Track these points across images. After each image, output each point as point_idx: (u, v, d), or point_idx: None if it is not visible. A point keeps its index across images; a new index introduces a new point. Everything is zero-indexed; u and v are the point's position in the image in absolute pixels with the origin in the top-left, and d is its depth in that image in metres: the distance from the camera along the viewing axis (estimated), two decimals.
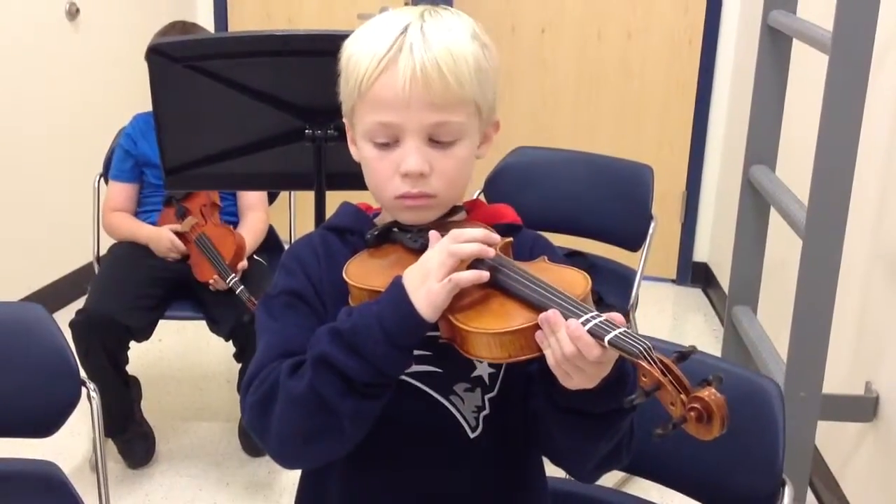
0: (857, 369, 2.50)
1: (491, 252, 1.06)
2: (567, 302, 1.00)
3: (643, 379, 0.93)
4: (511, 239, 1.16)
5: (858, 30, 1.78)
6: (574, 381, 1.00)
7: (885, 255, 2.39)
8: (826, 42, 1.84)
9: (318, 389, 1.05)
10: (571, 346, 0.97)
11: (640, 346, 0.93)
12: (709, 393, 0.90)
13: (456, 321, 1.04)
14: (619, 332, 0.94)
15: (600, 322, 0.96)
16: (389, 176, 1.13)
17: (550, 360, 1.00)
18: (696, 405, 0.90)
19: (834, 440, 2.58)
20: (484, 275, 1.04)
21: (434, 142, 1.12)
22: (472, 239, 1.05)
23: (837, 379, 2.50)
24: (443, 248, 1.05)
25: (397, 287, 1.05)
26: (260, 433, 1.13)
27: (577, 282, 1.06)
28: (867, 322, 2.48)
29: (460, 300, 1.05)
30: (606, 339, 0.95)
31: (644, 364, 0.92)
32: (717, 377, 0.92)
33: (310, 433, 1.08)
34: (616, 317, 0.97)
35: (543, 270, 1.08)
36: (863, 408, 2.36)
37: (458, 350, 1.05)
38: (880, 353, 2.38)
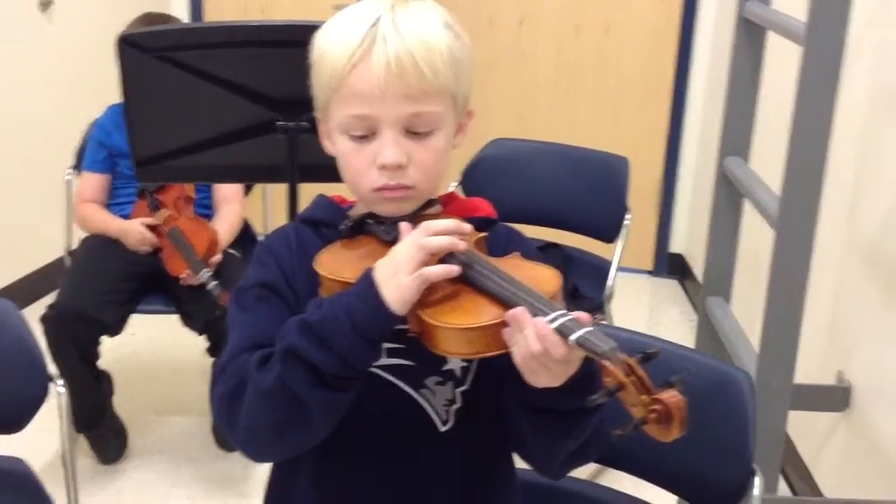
0: (829, 359, 2.51)
1: (462, 245, 1.05)
2: (535, 300, 1.00)
3: (606, 379, 0.93)
4: (485, 234, 1.16)
5: (832, 21, 1.79)
6: (540, 378, 1.00)
7: (857, 246, 2.40)
8: (800, 33, 1.84)
9: (287, 381, 1.04)
10: (538, 343, 0.97)
11: (606, 345, 0.93)
12: (669, 395, 0.90)
13: (424, 316, 1.03)
14: (586, 331, 0.94)
15: (567, 321, 0.96)
16: (367, 168, 1.12)
17: (517, 358, 0.99)
18: (656, 407, 0.90)
19: (807, 430, 2.60)
20: (454, 269, 1.04)
21: (411, 133, 1.12)
22: (442, 231, 1.04)
23: (810, 369, 2.51)
24: (413, 242, 1.04)
25: (367, 280, 1.04)
26: (228, 425, 1.12)
27: (547, 279, 1.06)
28: (839, 312, 2.50)
29: (430, 295, 1.04)
30: (572, 337, 0.94)
31: (608, 364, 0.92)
32: (679, 379, 0.92)
33: (278, 425, 1.08)
34: (583, 316, 0.97)
35: (515, 267, 1.08)
36: (835, 398, 2.37)
37: (425, 345, 1.05)
38: (852, 343, 2.39)
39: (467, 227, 1.08)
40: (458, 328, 1.01)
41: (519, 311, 0.99)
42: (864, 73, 2.37)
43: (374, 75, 1.08)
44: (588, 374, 1.02)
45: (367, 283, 1.04)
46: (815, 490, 2.53)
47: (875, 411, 2.24)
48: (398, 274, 1.02)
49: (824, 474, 2.53)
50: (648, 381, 0.92)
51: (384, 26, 1.09)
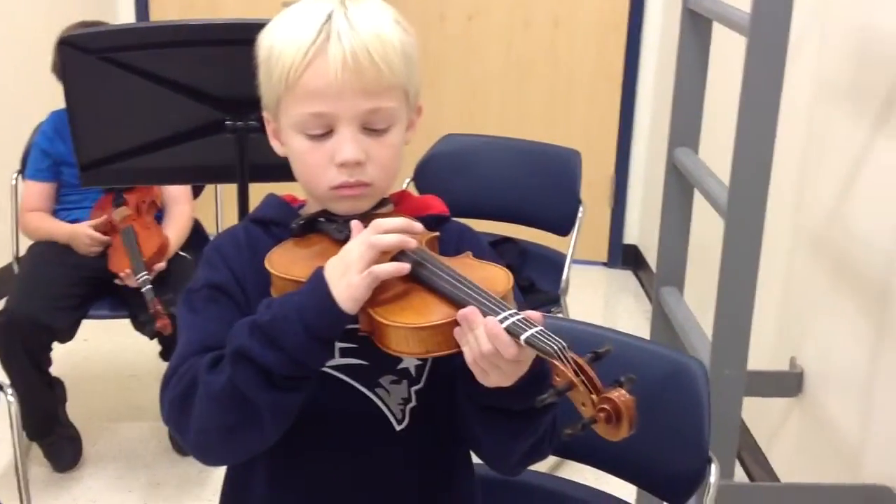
0: (781, 345, 2.55)
1: (412, 243, 1.04)
2: (486, 299, 1.00)
3: (556, 378, 0.93)
4: (437, 234, 1.16)
5: (776, 11, 1.80)
6: (491, 378, 1.00)
7: (804, 234, 2.44)
8: (744, 24, 1.86)
9: (238, 383, 1.03)
10: (489, 343, 0.96)
11: (555, 345, 0.93)
12: (619, 394, 0.90)
13: (375, 314, 1.03)
14: (536, 331, 0.94)
15: (517, 320, 0.96)
16: (324, 167, 1.11)
17: (468, 357, 0.99)
18: (605, 406, 0.90)
19: (761, 416, 2.63)
20: (404, 267, 1.03)
21: (368, 130, 1.11)
22: (392, 229, 1.04)
23: (762, 356, 2.54)
24: (363, 240, 1.03)
25: (318, 279, 1.03)
26: (179, 429, 1.11)
27: (498, 279, 1.07)
28: (790, 299, 2.53)
29: (381, 294, 1.04)
30: (522, 337, 0.94)
31: (558, 363, 0.92)
32: (629, 378, 0.92)
33: (230, 428, 1.07)
34: (534, 315, 0.97)
35: (466, 267, 1.08)
36: (788, 383, 2.40)
37: (376, 344, 1.04)
38: (803, 329, 2.43)
39: (418, 225, 1.08)
40: (409, 327, 1.01)
41: (469, 311, 0.98)
42: (808, 64, 2.40)
43: (330, 72, 1.07)
44: (539, 373, 1.02)
45: (317, 282, 1.03)
46: (770, 475, 2.56)
47: (826, 395, 2.28)
48: (348, 272, 1.02)
49: (779, 459, 2.56)
50: (597, 380, 0.92)
51: (337, 22, 1.08)
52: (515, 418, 1.07)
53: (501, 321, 0.96)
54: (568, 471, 2.11)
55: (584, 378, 0.92)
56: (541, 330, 0.95)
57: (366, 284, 1.01)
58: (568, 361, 0.92)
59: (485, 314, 0.98)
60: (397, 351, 1.03)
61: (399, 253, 1.05)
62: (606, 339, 1.60)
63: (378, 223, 1.04)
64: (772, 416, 2.58)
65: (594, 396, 0.91)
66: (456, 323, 1.00)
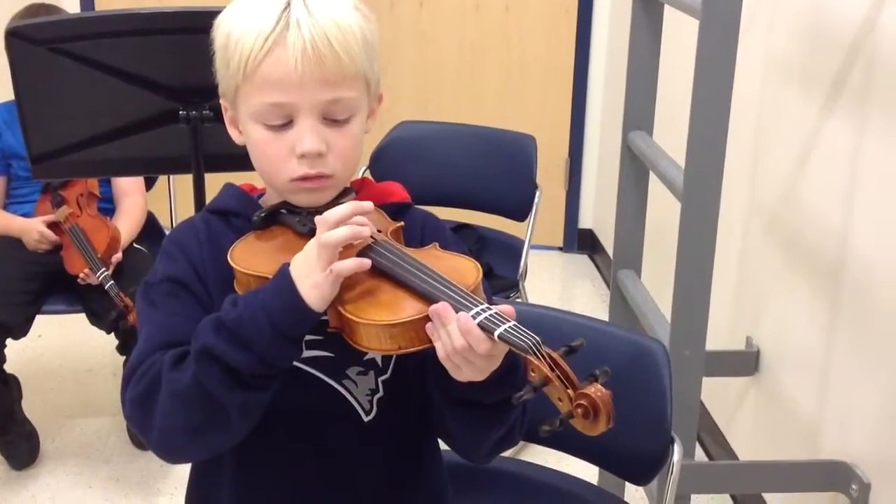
0: (737, 325, 2.58)
1: (366, 231, 1.02)
2: (458, 293, 0.99)
3: (532, 374, 0.92)
4: (402, 224, 1.14)
5: None
6: (464, 373, 0.99)
7: (758, 214, 2.47)
8: (696, 7, 1.87)
9: (203, 382, 1.02)
10: (462, 339, 0.95)
11: (529, 340, 0.92)
12: (595, 389, 0.90)
13: (345, 312, 1.01)
14: (509, 326, 0.94)
15: (490, 315, 0.95)
16: (284, 158, 1.09)
17: (440, 353, 0.98)
18: (582, 402, 0.89)
19: (719, 395, 2.67)
20: (364, 263, 1.01)
21: (328, 120, 1.09)
22: (340, 219, 1.01)
23: (720, 336, 2.57)
24: (316, 239, 1.01)
25: (284, 277, 1.02)
26: (141, 428, 1.09)
27: (468, 271, 1.05)
28: (746, 279, 2.57)
29: (350, 290, 1.03)
30: (496, 333, 0.94)
31: (532, 359, 0.92)
32: (603, 371, 0.91)
33: (195, 427, 1.05)
34: (507, 309, 0.96)
35: (435, 258, 1.07)
36: (745, 362, 2.44)
37: (346, 340, 1.03)
38: (759, 308, 2.46)
39: (368, 205, 1.05)
40: (380, 324, 1.00)
41: (441, 307, 0.97)
42: (759, 45, 2.43)
43: (290, 61, 1.05)
44: (511, 366, 1.01)
45: (284, 281, 1.02)
46: (730, 454, 2.60)
47: (782, 374, 2.31)
48: (312, 272, 1.00)
49: (738, 438, 2.60)
50: (573, 375, 0.92)
51: (296, 10, 1.06)
52: (487, 410, 1.07)
53: (474, 316, 0.95)
54: (531, 453, 2.13)
55: (559, 373, 0.91)
56: (514, 325, 0.94)
57: (329, 283, 1.00)
58: (543, 357, 0.91)
59: (457, 309, 0.97)
60: (368, 348, 1.02)
61: (366, 247, 1.04)
62: (569, 323, 1.62)
63: (325, 218, 1.02)
64: (729, 396, 2.62)
65: (570, 392, 0.90)
66: (428, 318, 0.98)
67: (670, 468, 1.49)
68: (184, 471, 1.28)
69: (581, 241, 4.33)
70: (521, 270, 2.73)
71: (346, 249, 1.02)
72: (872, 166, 1.90)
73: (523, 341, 0.92)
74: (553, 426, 0.90)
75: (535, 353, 0.92)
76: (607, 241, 3.91)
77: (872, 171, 1.90)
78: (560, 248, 4.35)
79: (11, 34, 1.93)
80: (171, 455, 1.13)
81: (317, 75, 1.06)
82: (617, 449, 1.53)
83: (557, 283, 4.09)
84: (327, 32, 1.06)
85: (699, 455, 2.66)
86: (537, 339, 0.92)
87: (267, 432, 1.11)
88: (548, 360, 0.91)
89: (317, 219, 1.03)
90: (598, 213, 4.25)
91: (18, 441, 2.65)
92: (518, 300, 2.67)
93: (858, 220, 1.95)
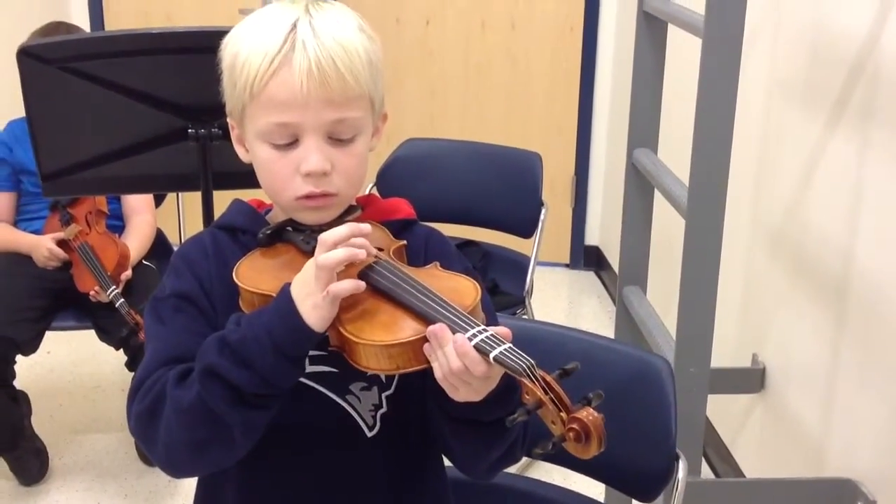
0: (743, 343, 2.58)
1: (362, 254, 1.03)
2: (455, 315, 0.99)
3: (526, 396, 0.93)
4: (404, 242, 1.15)
5: (729, 12, 1.83)
6: (461, 393, 1.00)
7: (762, 231, 2.48)
8: (699, 25, 1.89)
9: (207, 400, 1.03)
10: (458, 361, 0.96)
11: (524, 363, 0.93)
12: (587, 413, 0.90)
13: (344, 331, 1.02)
14: (505, 349, 0.94)
15: (487, 337, 0.96)
16: (289, 177, 1.10)
17: (437, 374, 0.99)
18: (574, 426, 0.90)
19: (725, 412, 2.67)
20: (360, 285, 1.02)
21: (333, 139, 1.10)
22: (338, 240, 1.02)
23: (725, 353, 2.58)
24: (314, 261, 1.02)
25: (286, 297, 1.03)
26: (146, 442, 1.10)
27: (466, 291, 1.06)
28: (751, 296, 2.57)
29: (350, 309, 1.03)
30: (492, 355, 0.94)
31: (527, 382, 0.92)
32: (597, 395, 0.92)
33: (199, 443, 1.06)
34: (503, 331, 0.97)
35: (434, 279, 1.07)
36: (750, 380, 2.44)
37: (346, 359, 1.04)
38: (764, 325, 2.46)
39: (365, 227, 1.05)
40: (380, 344, 1.00)
41: (439, 329, 0.98)
42: (762, 63, 2.44)
43: (296, 82, 1.06)
44: (508, 387, 1.02)
45: (285, 301, 1.03)
46: (736, 470, 2.60)
47: (788, 391, 2.32)
48: (311, 294, 1.01)
49: (744, 455, 2.60)
50: (566, 398, 0.92)
51: (302, 31, 1.07)
52: (486, 429, 1.07)
53: (471, 338, 0.96)
54: (537, 471, 2.13)
55: (552, 396, 0.92)
56: (510, 347, 0.95)
57: (328, 304, 1.01)
58: (537, 379, 0.92)
59: (454, 331, 0.97)
60: (367, 367, 1.02)
61: (367, 267, 1.05)
62: (574, 340, 1.63)
63: (323, 239, 1.02)
64: (735, 413, 2.62)
65: (563, 415, 0.91)
66: (426, 339, 0.99)
67: (675, 485, 1.49)
68: (190, 487, 1.29)
69: (587, 257, 4.33)
70: (527, 287, 2.74)
71: (347, 269, 1.03)
72: (876, 183, 1.91)
73: (518, 364, 0.93)
74: (545, 449, 0.91)
75: (529, 376, 0.92)
76: (613, 258, 3.92)
77: (876, 188, 1.91)
78: (566, 265, 4.36)
79: (23, 53, 1.95)
80: (175, 470, 1.14)
81: (322, 96, 1.07)
82: (622, 465, 1.53)
83: (564, 300, 4.09)
84: (332, 54, 1.07)
85: (705, 472, 2.66)
86: (531, 361, 0.93)
87: (271, 447, 1.12)
88: (541, 383, 0.92)
89: (319, 239, 1.04)
90: (604, 230, 4.25)
91: (28, 457, 2.66)
92: (524, 317, 2.68)
93: (863, 237, 1.96)
